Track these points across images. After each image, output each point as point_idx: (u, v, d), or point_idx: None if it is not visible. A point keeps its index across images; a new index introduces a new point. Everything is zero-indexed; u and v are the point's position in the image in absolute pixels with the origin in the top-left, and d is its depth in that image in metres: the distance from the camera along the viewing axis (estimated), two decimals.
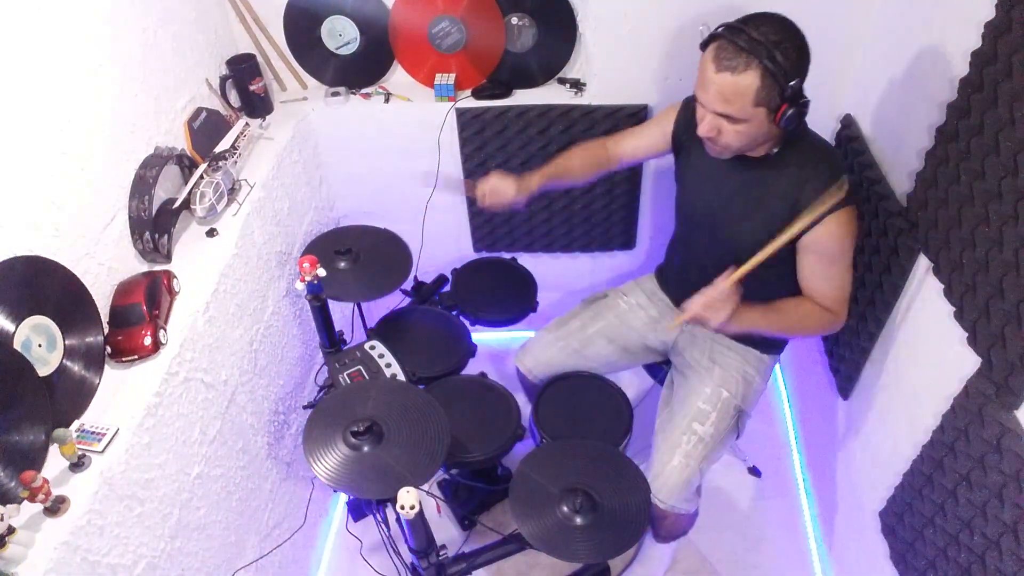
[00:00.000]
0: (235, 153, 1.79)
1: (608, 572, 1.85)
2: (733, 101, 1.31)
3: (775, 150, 1.46)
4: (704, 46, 1.36)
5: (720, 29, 1.33)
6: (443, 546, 1.51)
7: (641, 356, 1.93)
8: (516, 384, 2.01)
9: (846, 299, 1.52)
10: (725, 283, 1.42)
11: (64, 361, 1.27)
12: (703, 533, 2.02)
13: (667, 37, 1.88)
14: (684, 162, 1.66)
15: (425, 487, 1.36)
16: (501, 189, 1.66)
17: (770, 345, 1.76)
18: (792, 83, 1.29)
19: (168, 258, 1.59)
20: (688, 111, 1.62)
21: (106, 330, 1.39)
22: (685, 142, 1.64)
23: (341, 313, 1.98)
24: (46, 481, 1.10)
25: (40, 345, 1.23)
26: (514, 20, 2.00)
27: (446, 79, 2.05)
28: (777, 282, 1.60)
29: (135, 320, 1.38)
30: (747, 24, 1.30)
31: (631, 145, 1.77)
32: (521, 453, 1.61)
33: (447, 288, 2.20)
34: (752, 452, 2.30)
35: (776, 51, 1.27)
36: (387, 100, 2.10)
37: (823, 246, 1.45)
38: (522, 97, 2.08)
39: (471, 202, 2.29)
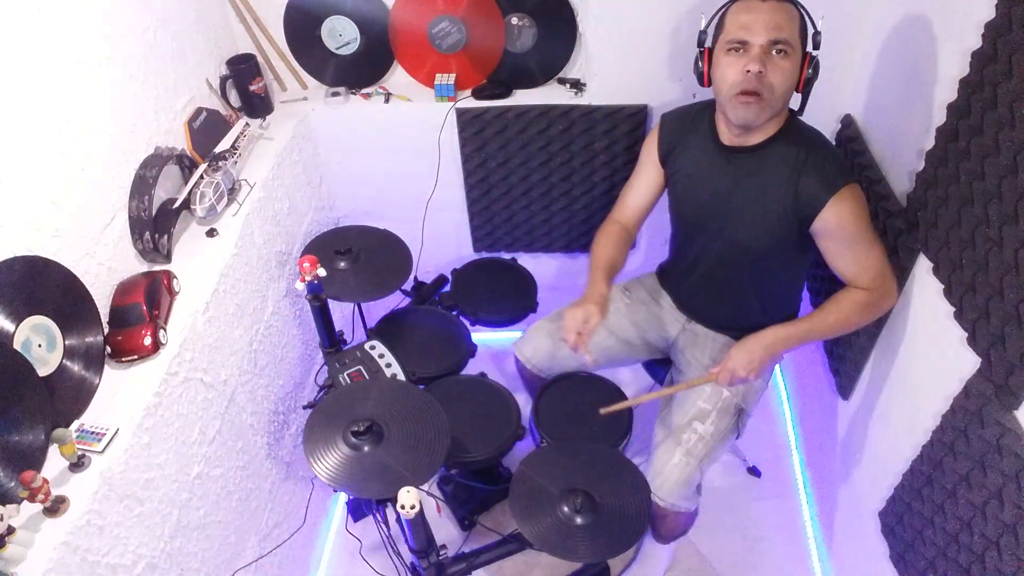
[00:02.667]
0: (235, 153, 1.79)
1: (608, 572, 1.85)
2: (785, 26, 1.35)
3: (770, 135, 1.48)
4: (721, 17, 1.42)
5: None
6: (443, 546, 1.51)
7: (642, 351, 1.93)
8: (516, 384, 2.01)
9: (883, 273, 1.49)
10: (733, 353, 1.55)
11: (64, 361, 1.27)
12: (703, 533, 2.02)
13: (667, 37, 1.88)
14: (673, 169, 1.65)
15: (425, 487, 1.36)
16: (590, 320, 1.57)
17: None
18: (815, 33, 1.38)
19: (168, 258, 1.59)
20: (668, 123, 1.66)
21: (106, 330, 1.39)
22: (673, 147, 1.64)
23: (341, 313, 1.98)
24: (46, 481, 1.10)
25: (40, 345, 1.23)
26: (514, 20, 2.00)
27: (446, 79, 2.05)
28: (780, 270, 1.61)
29: (135, 320, 1.38)
30: None
31: (634, 202, 1.75)
32: (521, 453, 1.61)
33: (447, 288, 2.20)
34: (752, 452, 2.30)
35: (797, 3, 1.38)
36: (387, 100, 2.10)
37: (836, 227, 1.45)
38: (522, 97, 2.08)
39: (471, 202, 2.29)
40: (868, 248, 1.48)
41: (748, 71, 1.35)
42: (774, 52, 1.35)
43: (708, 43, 1.47)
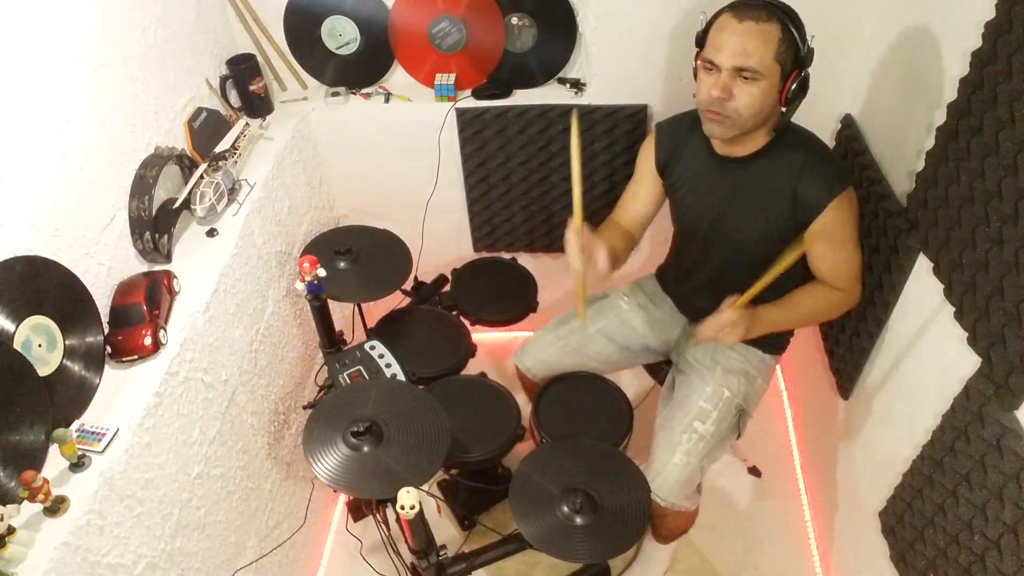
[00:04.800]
0: (235, 153, 1.79)
1: (608, 572, 1.85)
2: (754, 52, 1.32)
3: (762, 144, 1.47)
4: (707, 27, 1.40)
5: None
6: (443, 546, 1.51)
7: (641, 356, 1.93)
8: (516, 384, 2.01)
9: (857, 276, 1.55)
10: (731, 311, 1.47)
11: (64, 361, 1.27)
12: (703, 533, 2.02)
13: (667, 37, 1.88)
14: (672, 179, 1.65)
15: (425, 487, 1.36)
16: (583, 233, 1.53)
17: (772, 345, 1.76)
18: (803, 50, 1.34)
19: (168, 258, 1.59)
20: (663, 130, 1.66)
21: (106, 330, 1.39)
22: (670, 158, 1.64)
23: (341, 313, 1.98)
24: (46, 481, 1.10)
25: (40, 345, 1.23)
26: (514, 20, 2.00)
27: (446, 79, 2.05)
28: (780, 274, 1.61)
29: (135, 320, 1.38)
30: None
31: (637, 210, 1.73)
32: (521, 453, 1.61)
33: (447, 288, 2.20)
34: (752, 452, 2.30)
35: (791, 14, 1.35)
36: (387, 100, 2.10)
37: (830, 231, 1.47)
38: (522, 97, 2.08)
39: (471, 202, 2.29)
40: (851, 253, 1.52)
41: (712, 94, 1.38)
42: (741, 77, 1.35)
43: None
